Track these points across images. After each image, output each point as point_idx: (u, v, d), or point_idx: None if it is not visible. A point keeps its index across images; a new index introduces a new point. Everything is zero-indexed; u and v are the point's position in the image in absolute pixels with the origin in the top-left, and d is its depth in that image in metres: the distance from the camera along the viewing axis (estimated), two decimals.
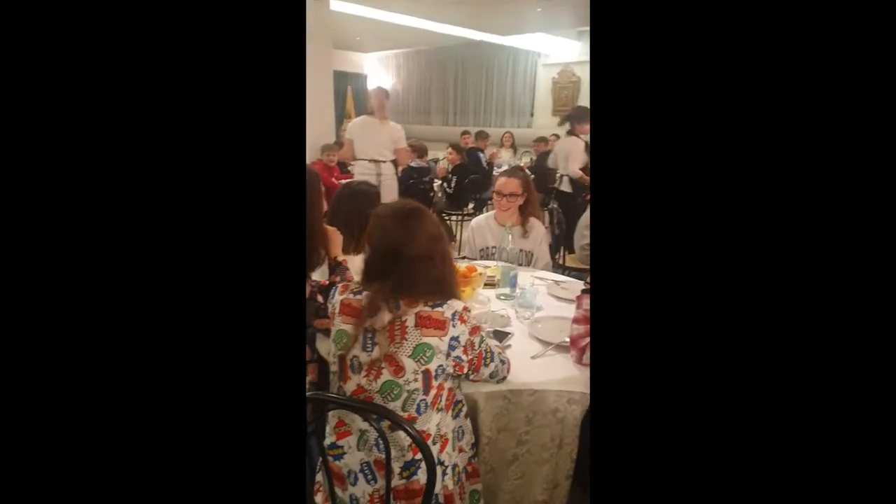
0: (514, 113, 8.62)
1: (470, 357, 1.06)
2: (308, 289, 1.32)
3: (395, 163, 3.95)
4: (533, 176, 3.37)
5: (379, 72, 10.00)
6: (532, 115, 8.41)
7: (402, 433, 0.98)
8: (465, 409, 1.17)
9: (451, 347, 1.02)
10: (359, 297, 1.06)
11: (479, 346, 1.08)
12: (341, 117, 9.03)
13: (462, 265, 1.81)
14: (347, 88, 9.41)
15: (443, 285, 1.07)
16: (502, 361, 1.17)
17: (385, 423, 0.99)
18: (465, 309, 1.04)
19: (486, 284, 1.79)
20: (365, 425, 1.02)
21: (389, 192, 3.81)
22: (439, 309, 1.02)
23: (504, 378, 1.20)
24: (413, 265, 1.04)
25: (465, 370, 1.07)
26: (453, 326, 1.02)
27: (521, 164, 5.62)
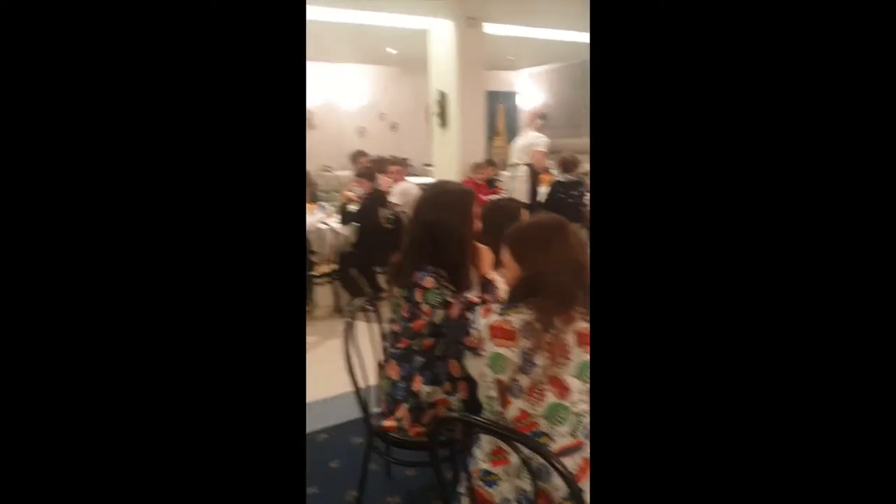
0: None
1: None
2: (459, 306, 1.34)
3: (530, 166, 4.38)
4: None
5: (530, 88, 10.02)
6: None
7: (565, 460, 0.93)
8: None
9: None
10: (508, 318, 1.04)
11: None
12: (492, 135, 9.24)
13: None
14: (499, 107, 9.60)
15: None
16: None
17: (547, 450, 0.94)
18: None
19: None
20: (529, 453, 0.98)
21: (519, 194, 4.20)
22: None
23: None
24: (572, 277, 1.02)
25: None
26: None
27: None
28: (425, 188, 1.52)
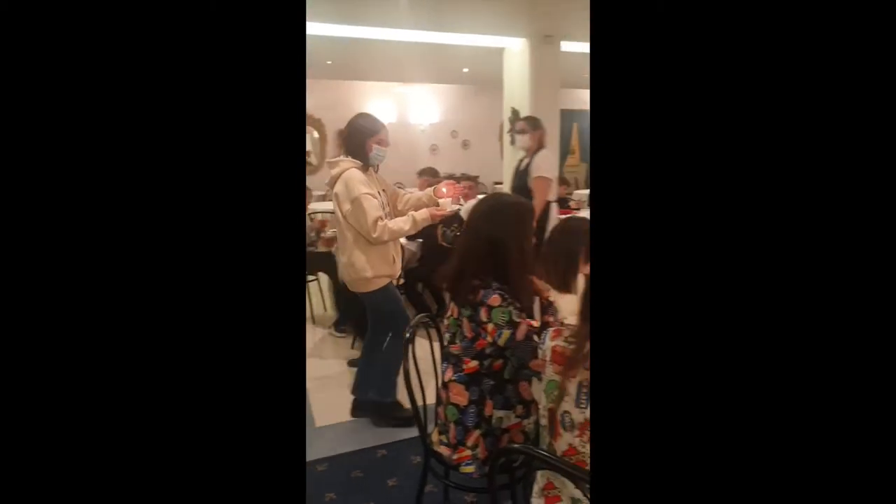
0: None
1: None
2: (526, 326, 1.27)
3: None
4: None
5: None
6: None
7: None
8: None
9: None
10: (571, 344, 0.96)
11: None
12: (566, 154, 9.06)
13: None
14: (573, 126, 9.43)
15: None
16: None
17: None
18: None
19: None
20: (578, 493, 0.90)
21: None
22: None
23: None
24: None
25: None
26: None
27: None
28: (483, 201, 1.45)
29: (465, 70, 7.29)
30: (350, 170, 2.00)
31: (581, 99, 9.68)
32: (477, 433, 1.35)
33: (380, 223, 1.95)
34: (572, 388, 0.93)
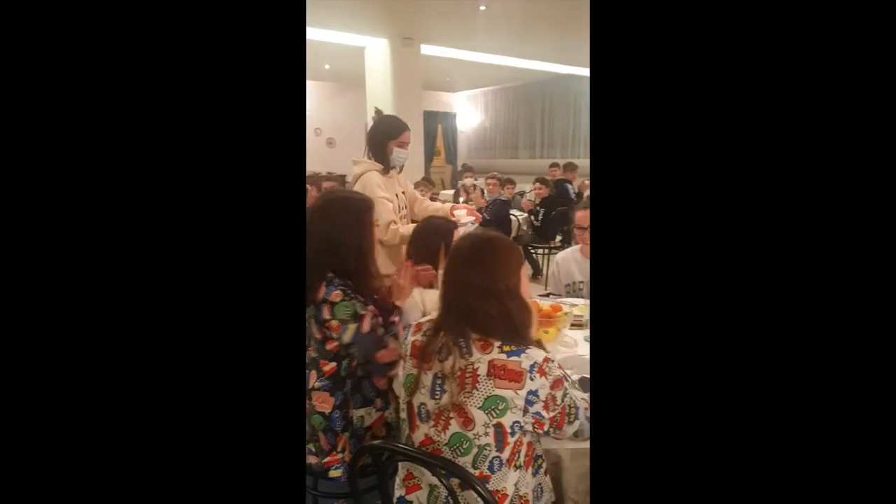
0: None
1: (552, 414, 0.94)
2: (371, 320, 1.28)
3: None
4: None
5: (468, 109, 10.23)
6: None
7: (467, 493, 0.89)
8: (545, 465, 1.04)
9: (529, 402, 0.91)
10: (427, 337, 1.00)
11: (563, 402, 0.95)
12: (431, 155, 9.32)
13: (546, 303, 1.69)
14: (437, 127, 9.72)
15: (509, 325, 0.95)
16: (588, 418, 1.03)
17: (456, 480, 0.90)
18: (546, 360, 0.93)
19: (572, 325, 1.65)
20: (435, 480, 0.93)
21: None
22: (515, 358, 0.91)
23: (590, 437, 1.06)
24: (495, 301, 0.95)
25: (546, 427, 0.95)
26: (531, 380, 0.90)
27: None
28: (318, 198, 1.46)
29: (327, 67, 7.11)
30: (369, 172, 2.06)
31: (443, 101, 10.03)
32: (345, 436, 1.34)
33: (392, 227, 2.02)
34: (427, 379, 0.96)
